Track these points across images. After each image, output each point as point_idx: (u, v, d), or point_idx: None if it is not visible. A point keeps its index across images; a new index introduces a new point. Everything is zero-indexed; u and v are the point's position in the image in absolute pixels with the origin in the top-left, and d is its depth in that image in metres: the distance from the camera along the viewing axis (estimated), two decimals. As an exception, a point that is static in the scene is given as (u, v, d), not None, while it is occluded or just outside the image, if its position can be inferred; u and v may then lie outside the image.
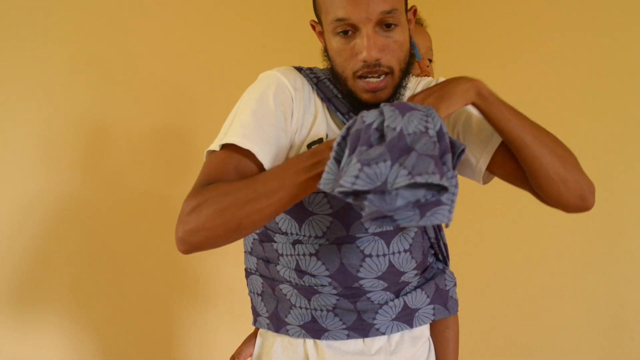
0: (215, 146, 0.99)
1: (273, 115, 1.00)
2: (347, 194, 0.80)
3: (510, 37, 2.34)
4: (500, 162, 1.04)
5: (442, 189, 0.77)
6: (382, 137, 0.81)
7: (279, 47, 2.23)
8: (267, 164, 0.97)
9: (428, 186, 0.77)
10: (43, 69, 1.82)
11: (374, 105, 0.97)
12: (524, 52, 2.28)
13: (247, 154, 0.96)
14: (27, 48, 1.80)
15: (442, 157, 0.80)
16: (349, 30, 0.96)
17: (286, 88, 1.03)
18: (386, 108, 0.83)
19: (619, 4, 2.09)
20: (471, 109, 1.08)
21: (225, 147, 0.97)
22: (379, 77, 0.98)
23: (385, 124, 0.81)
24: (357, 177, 0.77)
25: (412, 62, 1.04)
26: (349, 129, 0.85)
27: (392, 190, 0.76)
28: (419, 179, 0.75)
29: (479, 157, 1.05)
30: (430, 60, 1.57)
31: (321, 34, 1.06)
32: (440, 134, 0.82)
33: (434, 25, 1.54)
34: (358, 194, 0.80)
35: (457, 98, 0.95)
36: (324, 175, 0.83)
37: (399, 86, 1.01)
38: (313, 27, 1.09)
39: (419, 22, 1.57)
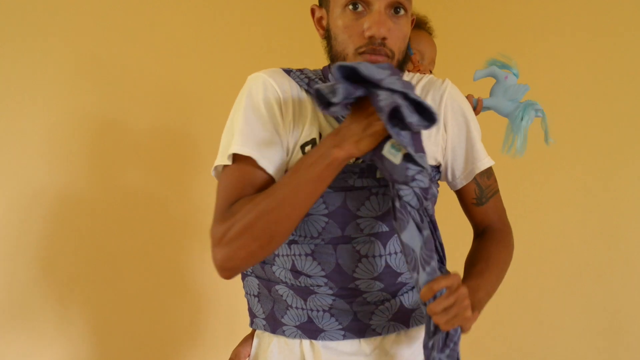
0: (221, 161, 1.02)
1: (265, 117, 1.01)
2: (344, 74, 0.88)
3: (507, 38, 2.35)
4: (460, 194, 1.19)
5: (429, 120, 0.88)
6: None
7: (280, 50, 2.24)
8: (269, 168, 0.99)
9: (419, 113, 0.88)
10: (45, 68, 1.82)
11: None
12: (520, 53, 2.28)
13: (252, 162, 0.98)
14: (30, 48, 1.80)
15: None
16: (359, 4, 0.97)
17: (274, 89, 1.04)
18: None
19: (616, 5, 2.10)
20: (462, 133, 1.13)
21: (230, 166, 1.00)
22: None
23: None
24: (360, 63, 0.87)
25: (407, 60, 1.06)
26: None
27: (388, 87, 0.86)
28: (410, 94, 0.87)
29: (458, 178, 1.16)
30: (430, 72, 1.57)
31: (320, 21, 1.07)
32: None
33: (433, 23, 1.55)
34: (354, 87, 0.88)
35: None
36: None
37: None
38: (312, 13, 1.09)
39: (429, 31, 1.57)
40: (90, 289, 1.87)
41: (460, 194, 1.19)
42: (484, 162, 1.14)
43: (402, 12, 0.99)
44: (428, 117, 0.88)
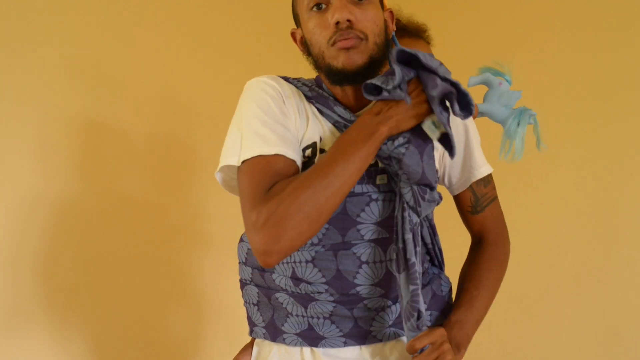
0: (231, 161, 1.00)
1: (277, 114, 1.02)
2: (401, 59, 0.95)
3: (505, 40, 2.36)
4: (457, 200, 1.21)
5: (467, 111, 0.97)
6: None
7: (275, 57, 2.24)
8: (297, 159, 1.00)
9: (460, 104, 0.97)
10: (39, 73, 1.81)
11: (353, 74, 1.00)
12: (518, 54, 2.29)
13: (276, 158, 0.98)
14: (23, 52, 1.79)
15: None
16: (321, 4, 1.01)
17: (278, 92, 1.06)
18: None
19: (614, 5, 2.10)
20: (460, 140, 1.13)
21: (251, 160, 0.98)
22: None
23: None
24: (418, 52, 0.94)
25: (389, 45, 1.07)
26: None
27: (442, 77, 0.95)
28: (461, 87, 0.95)
29: (454, 185, 1.18)
30: None
31: (301, 39, 1.09)
32: None
33: (433, 26, 1.55)
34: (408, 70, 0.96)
35: None
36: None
37: (377, 61, 1.03)
38: (294, 37, 1.12)
39: (427, 40, 1.57)
40: (89, 296, 1.86)
41: (457, 200, 1.20)
42: (481, 170, 1.15)
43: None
44: (465, 108, 0.97)
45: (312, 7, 1.02)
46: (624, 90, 2.09)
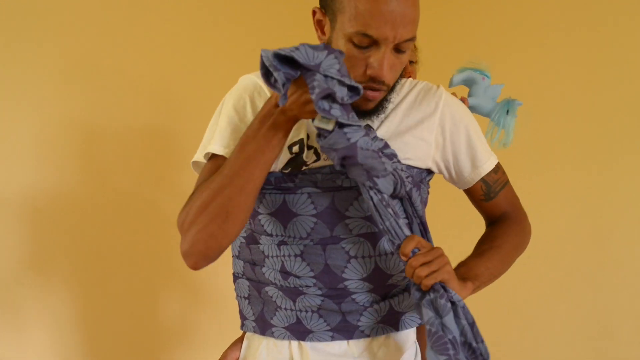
0: (198, 157, 1.06)
1: (249, 119, 1.03)
2: (281, 59, 0.88)
3: (503, 37, 2.35)
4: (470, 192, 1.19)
5: (355, 92, 0.91)
6: None
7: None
8: None
9: (348, 88, 0.90)
10: (33, 71, 1.83)
11: (361, 110, 0.99)
12: (516, 51, 2.29)
13: (223, 160, 1.01)
14: (18, 50, 1.81)
15: None
16: (368, 45, 0.95)
17: (262, 92, 1.06)
18: None
19: (608, 4, 2.10)
20: (462, 138, 1.12)
21: (209, 156, 1.04)
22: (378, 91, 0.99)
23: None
24: (297, 48, 0.87)
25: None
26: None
27: (323, 74, 0.87)
28: (345, 80, 0.89)
29: (463, 180, 1.16)
30: (411, 62, 1.60)
31: (321, 24, 1.02)
32: None
33: (428, 22, 1.56)
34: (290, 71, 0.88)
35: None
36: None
37: (385, 98, 1.02)
38: (313, 14, 1.05)
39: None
40: (80, 290, 1.87)
41: (468, 192, 1.19)
42: (488, 164, 1.15)
43: (406, 49, 0.98)
44: (353, 90, 0.91)
45: (355, 41, 0.95)
46: (618, 89, 2.08)
